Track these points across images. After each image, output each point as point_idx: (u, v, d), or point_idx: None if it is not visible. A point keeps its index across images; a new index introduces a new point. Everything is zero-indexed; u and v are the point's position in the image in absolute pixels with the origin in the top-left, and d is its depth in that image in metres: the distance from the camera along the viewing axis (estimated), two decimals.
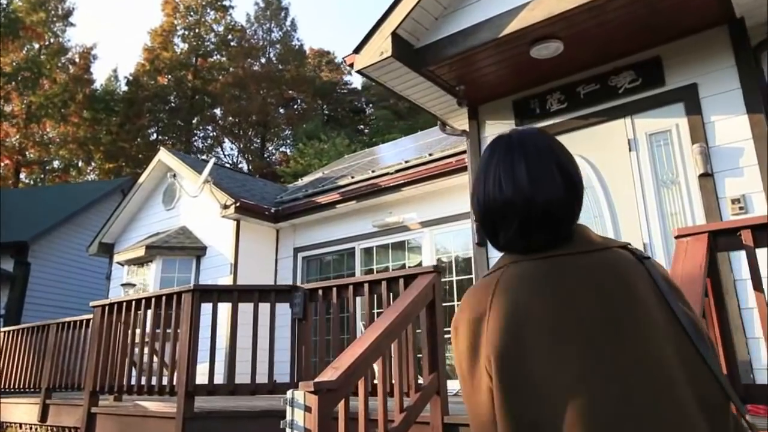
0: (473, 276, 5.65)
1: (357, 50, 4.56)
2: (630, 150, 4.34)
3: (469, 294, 1.01)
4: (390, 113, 32.70)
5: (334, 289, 4.27)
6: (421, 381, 3.64)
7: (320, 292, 4.36)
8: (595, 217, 4.41)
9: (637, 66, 4.39)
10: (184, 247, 8.84)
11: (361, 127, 35.75)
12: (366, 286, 4.08)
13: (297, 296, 4.44)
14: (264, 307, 4.38)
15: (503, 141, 1.04)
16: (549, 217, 0.95)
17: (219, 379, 4.49)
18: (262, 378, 4.40)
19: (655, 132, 4.26)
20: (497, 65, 4.61)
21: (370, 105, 36.76)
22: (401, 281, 3.88)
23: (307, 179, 11.69)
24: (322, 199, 8.34)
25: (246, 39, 34.12)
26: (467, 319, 0.96)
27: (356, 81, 38.68)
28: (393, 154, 10.45)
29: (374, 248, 8.12)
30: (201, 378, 4.20)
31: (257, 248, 8.80)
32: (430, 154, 7.80)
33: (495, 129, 5.15)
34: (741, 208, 3.79)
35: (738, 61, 3.99)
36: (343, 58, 4.75)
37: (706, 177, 3.95)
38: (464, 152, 7.07)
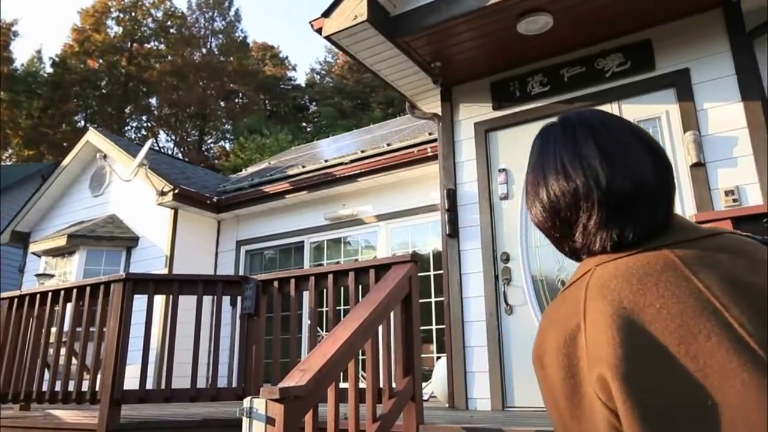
0: (441, 271, 5.24)
1: (327, 13, 4.05)
2: None
3: (550, 313, 0.80)
4: (334, 111, 32.17)
5: (293, 280, 3.74)
6: (394, 385, 3.18)
7: (276, 284, 3.81)
8: None
9: (626, 49, 4.13)
10: (113, 237, 7.96)
11: (304, 124, 35.02)
12: (330, 277, 3.58)
13: (248, 288, 3.86)
14: (207, 302, 3.78)
15: (557, 123, 0.88)
16: (640, 203, 0.77)
17: (152, 384, 3.84)
18: (203, 382, 3.79)
19: (644, 119, 4.00)
20: (479, 40, 4.23)
21: (314, 102, 36.09)
22: (372, 272, 3.41)
23: (252, 169, 10.97)
24: (270, 189, 7.72)
25: (186, 27, 32.59)
26: (555, 343, 0.75)
27: (300, 77, 37.91)
28: (343, 145, 9.95)
29: (325, 242, 7.58)
30: (130, 383, 3.55)
31: (196, 240, 8.05)
32: (388, 144, 7.37)
33: (470, 112, 4.77)
34: (735, 200, 3.57)
35: (733, 46, 3.79)
36: (309, 22, 4.22)
37: (698, 167, 3.72)
38: (426, 143, 6.71)
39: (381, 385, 3.07)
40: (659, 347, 0.66)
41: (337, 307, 3.58)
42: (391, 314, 3.21)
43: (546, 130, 0.90)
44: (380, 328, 3.09)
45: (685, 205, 3.76)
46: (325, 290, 3.64)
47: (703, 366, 0.63)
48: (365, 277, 3.46)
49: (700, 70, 3.87)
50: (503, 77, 4.61)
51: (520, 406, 3.97)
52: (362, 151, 7.51)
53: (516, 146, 4.44)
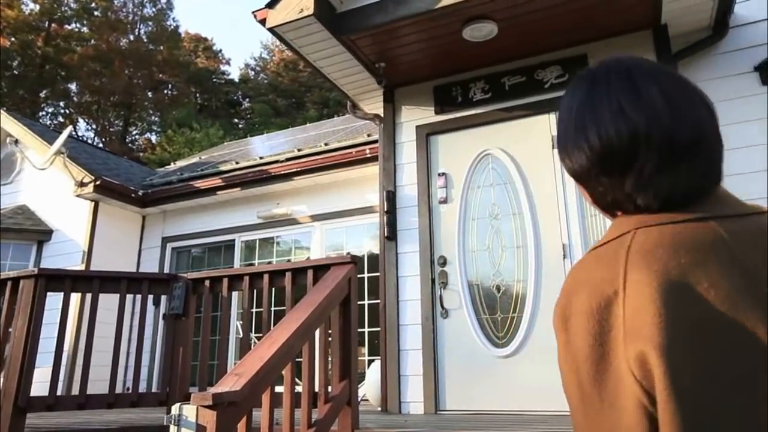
0: (376, 274, 5.20)
1: (271, 4, 3.91)
2: (553, 147, 4.18)
3: (580, 273, 0.72)
4: (268, 108, 31.54)
5: (225, 280, 3.57)
6: (330, 389, 3.09)
7: (207, 283, 3.63)
8: (514, 213, 4.19)
9: (565, 62, 4.27)
10: (22, 230, 7.35)
11: (236, 120, 34.09)
12: (266, 277, 3.45)
13: (177, 287, 3.65)
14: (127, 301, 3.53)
15: (604, 66, 0.81)
16: (699, 153, 0.72)
17: (63, 389, 3.53)
18: (122, 387, 3.53)
19: None
20: (424, 43, 4.23)
21: (248, 99, 35.24)
22: (310, 273, 3.31)
23: (181, 163, 10.50)
24: (201, 184, 7.40)
25: (113, 10, 30.85)
26: (586, 307, 0.68)
27: (234, 72, 36.96)
28: (278, 143, 9.72)
29: (257, 241, 7.36)
30: (38, 388, 3.25)
31: (117, 235, 7.58)
32: (326, 144, 7.26)
33: (412, 115, 4.77)
34: None
35: (660, 62, 3.99)
36: (253, 12, 4.05)
37: None
38: (365, 144, 6.67)
39: (317, 389, 2.98)
40: (711, 332, 0.61)
41: (269, 309, 3.45)
42: (329, 316, 3.13)
43: (588, 76, 0.83)
44: (317, 330, 3.00)
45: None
46: (259, 291, 3.51)
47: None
48: (303, 278, 3.36)
49: None
50: (446, 82, 4.64)
51: (452, 410, 3.98)
52: (299, 150, 7.36)
53: (456, 151, 4.48)
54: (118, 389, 3.50)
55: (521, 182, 4.19)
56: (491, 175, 4.34)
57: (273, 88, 34.55)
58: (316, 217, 7.02)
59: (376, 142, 6.53)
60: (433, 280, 4.31)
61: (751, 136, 3.93)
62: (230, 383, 2.25)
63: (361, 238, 6.79)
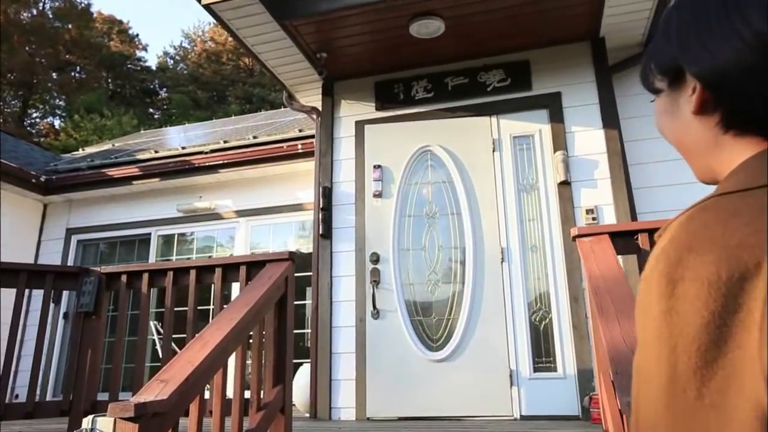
0: (306, 273, 4.98)
1: None
2: (494, 150, 4.19)
3: (708, 225, 0.53)
4: (188, 99, 30.16)
5: (146, 275, 3.24)
6: (263, 396, 2.86)
7: (124, 278, 3.28)
8: (452, 213, 4.13)
9: (507, 66, 4.29)
10: None
11: (152, 110, 32.32)
12: (193, 273, 3.16)
13: (88, 282, 3.27)
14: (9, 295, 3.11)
15: None
16: None
17: None
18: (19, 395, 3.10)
19: (520, 135, 4.18)
20: (369, 36, 4.10)
21: (165, 89, 33.52)
22: (243, 270, 3.07)
23: (92, 149, 9.68)
24: (115, 173, 6.82)
25: None
26: (711, 274, 0.50)
27: (151, 59, 35.05)
28: (200, 134, 9.21)
29: (175, 236, 6.89)
30: None
31: (12, 224, 6.81)
32: (255, 137, 6.94)
33: (352, 109, 4.61)
34: (594, 219, 3.86)
35: (597, 77, 4.12)
36: None
37: (565, 185, 3.96)
38: (297, 139, 6.44)
39: (248, 396, 2.75)
40: None
41: (195, 308, 3.16)
42: (264, 317, 2.90)
43: None
44: (251, 332, 2.77)
45: (551, 220, 3.97)
46: (181, 288, 3.21)
47: None
48: (234, 275, 3.10)
49: (570, 95, 4.14)
50: (389, 78, 4.53)
51: (385, 417, 3.85)
52: (225, 142, 6.98)
53: (394, 144, 4.35)
54: (7, 398, 3.07)
55: (461, 182, 4.14)
56: (430, 173, 4.26)
57: (193, 79, 33.09)
58: (241, 213, 6.67)
59: (309, 137, 6.33)
60: (371, 281, 4.18)
61: (673, 151, 4.12)
62: (155, 391, 1.99)
63: (289, 237, 6.53)
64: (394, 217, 4.23)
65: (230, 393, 2.61)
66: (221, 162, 6.57)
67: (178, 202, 6.86)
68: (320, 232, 4.36)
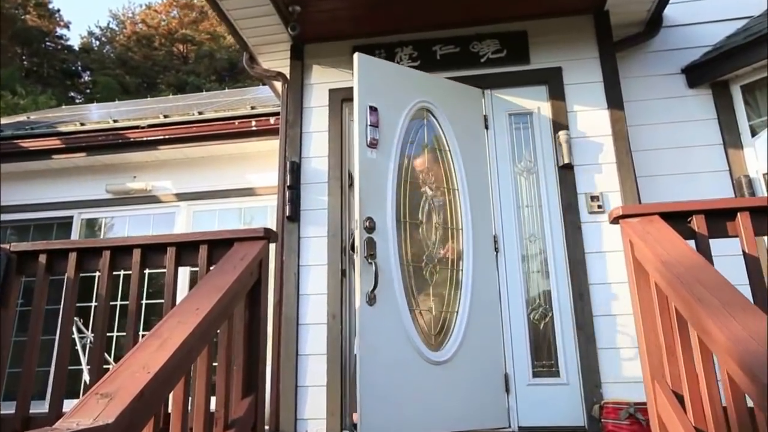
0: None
1: None
2: (486, 128, 3.74)
3: None
4: (115, 83, 28.17)
5: (73, 254, 2.54)
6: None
7: (42, 258, 2.56)
8: (449, 188, 3.49)
9: (503, 37, 3.87)
10: None
11: (74, 94, 29.98)
12: (136, 253, 2.50)
13: None
14: None
15: None
16: None
17: None
18: None
19: (516, 112, 3.76)
20: None
21: (89, 72, 31.22)
22: (204, 250, 2.44)
23: (4, 121, 8.46)
24: (30, 145, 5.84)
25: None
26: None
27: (74, 39, 32.60)
28: (133, 110, 8.25)
29: (103, 220, 6.01)
30: None
31: None
32: (200, 113, 6.18)
33: (325, 76, 4.04)
34: (599, 207, 3.49)
35: (601, 53, 3.77)
36: None
37: (568, 169, 3.57)
38: (251, 116, 5.76)
39: (213, 409, 2.13)
40: None
41: (138, 300, 2.49)
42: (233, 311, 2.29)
43: None
44: (220, 329, 2.16)
45: (551, 208, 3.57)
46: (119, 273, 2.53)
47: None
48: (192, 257, 2.46)
49: (571, 71, 3.77)
50: (369, 43, 3.98)
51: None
52: (165, 116, 6.17)
53: (390, 90, 3.50)
54: None
55: (457, 154, 3.56)
56: (426, 135, 3.58)
57: (122, 62, 31.00)
58: (182, 196, 5.89)
59: (264, 115, 5.68)
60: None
61: (676, 138, 3.85)
62: (94, 411, 1.37)
63: (238, 224, 5.82)
64: (392, 175, 3.30)
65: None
66: (161, 137, 5.77)
67: (107, 181, 5.99)
68: (287, 215, 3.74)
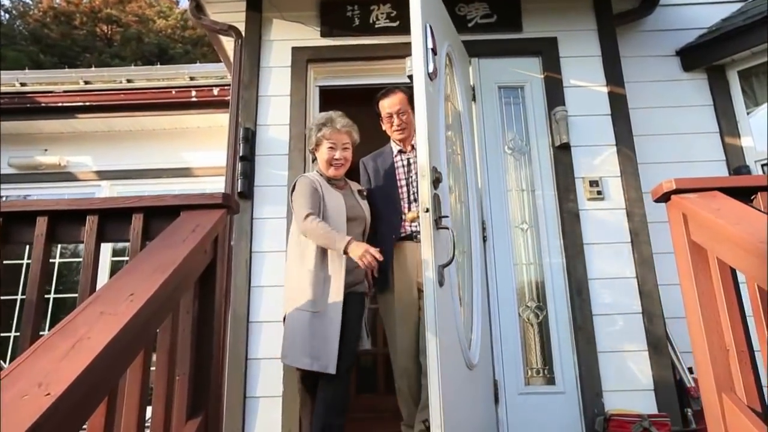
0: None
1: None
2: (474, 100, 3.29)
3: None
4: (26, 59, 25.77)
5: None
6: None
7: None
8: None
9: (493, 0, 3.43)
10: None
11: None
12: (42, 222, 1.85)
13: None
14: None
15: None
16: None
17: None
18: None
19: (507, 85, 3.34)
20: None
21: None
22: (138, 220, 1.82)
23: None
24: None
25: None
26: None
27: None
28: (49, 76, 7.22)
29: (3, 200, 5.06)
30: None
31: None
32: (129, 80, 5.38)
33: (287, 33, 3.44)
34: (599, 193, 3.12)
35: (599, 26, 3.42)
36: None
37: (565, 150, 3.18)
38: (191, 87, 5.04)
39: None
40: None
41: (42, 287, 1.83)
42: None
43: None
44: (162, 324, 1.55)
45: (544, 192, 3.16)
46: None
47: None
48: (121, 230, 1.83)
49: (567, 43, 3.39)
50: None
51: None
52: (86, 82, 5.32)
53: (434, 12, 2.69)
54: None
55: (465, 120, 3.04)
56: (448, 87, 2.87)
57: (36, 39, 28.45)
58: (104, 174, 5.08)
59: (207, 86, 4.99)
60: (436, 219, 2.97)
61: (671, 124, 3.57)
62: None
63: None
64: (442, 123, 2.54)
65: None
66: (80, 104, 4.93)
67: (10, 154, 5.07)
68: (237, 191, 3.12)
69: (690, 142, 3.51)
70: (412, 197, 2.66)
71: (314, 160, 2.74)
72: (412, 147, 2.74)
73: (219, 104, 4.83)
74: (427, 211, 2.14)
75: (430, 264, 2.08)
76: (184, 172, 5.06)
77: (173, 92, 4.92)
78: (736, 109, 3.52)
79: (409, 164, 2.74)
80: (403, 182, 2.71)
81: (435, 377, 1.95)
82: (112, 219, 1.85)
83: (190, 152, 5.14)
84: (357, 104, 3.51)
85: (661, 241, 3.11)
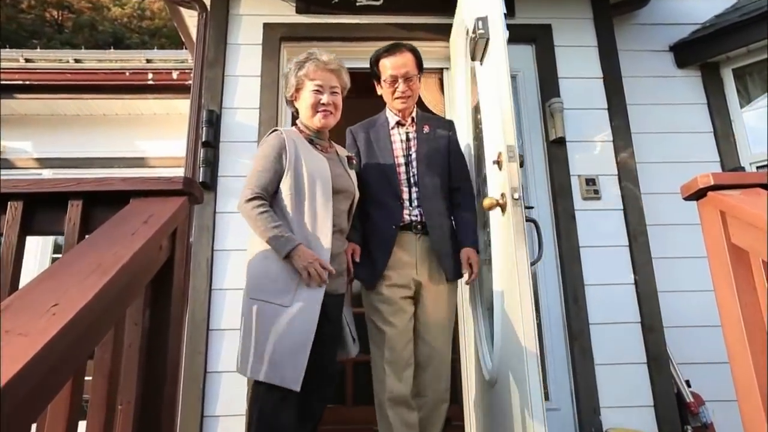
0: None
1: None
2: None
3: None
4: None
5: None
6: None
7: None
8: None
9: None
10: None
11: None
12: None
13: None
14: None
15: None
16: None
17: None
18: None
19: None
20: None
21: None
22: (75, 207, 1.47)
23: None
24: None
25: None
26: None
27: None
28: None
29: None
30: None
31: None
32: (77, 60, 4.91)
33: (258, 8, 3.10)
34: (596, 192, 2.90)
35: (596, 15, 3.22)
36: None
37: (559, 145, 2.95)
38: (147, 70, 4.62)
39: None
40: None
41: None
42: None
43: None
44: (104, 338, 1.20)
45: (538, 189, 2.92)
46: None
47: None
48: (54, 220, 1.48)
49: (562, 31, 3.17)
50: None
51: None
52: (27, 60, 4.82)
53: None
54: None
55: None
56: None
57: None
58: (46, 163, 4.60)
59: (165, 70, 4.58)
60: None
61: (664, 122, 3.39)
62: None
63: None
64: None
65: None
66: (19, 83, 4.44)
67: None
68: (198, 180, 2.76)
69: (683, 141, 3.34)
70: (412, 180, 2.20)
71: (294, 122, 2.15)
72: (413, 120, 2.31)
73: (179, 89, 4.44)
74: (518, 199, 1.87)
75: (524, 264, 1.80)
76: (138, 162, 4.63)
77: (127, 74, 4.49)
78: (731, 108, 3.37)
79: (408, 139, 2.27)
80: (401, 160, 2.24)
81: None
82: (43, 206, 1.49)
83: (145, 141, 4.72)
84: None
85: (659, 245, 2.93)
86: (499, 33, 2.07)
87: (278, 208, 1.92)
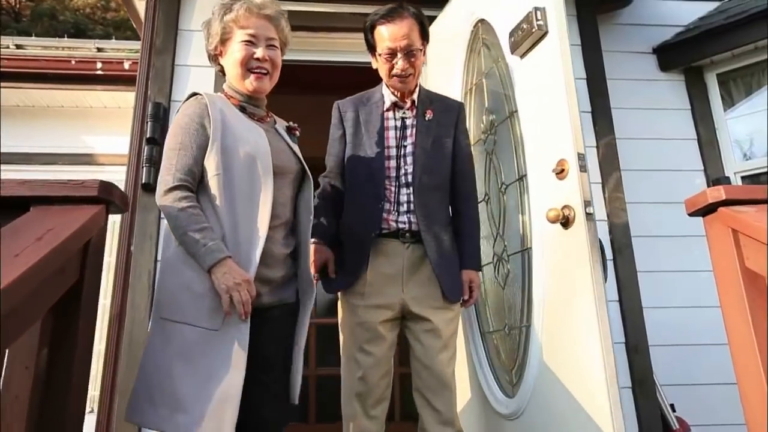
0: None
1: None
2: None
3: None
4: None
5: None
6: None
7: None
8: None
9: None
10: None
11: None
12: None
13: None
14: None
15: None
16: None
17: None
18: None
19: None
20: None
21: None
22: None
23: None
24: None
25: None
26: None
27: None
28: None
29: None
30: None
31: None
32: (19, 46, 4.52)
33: None
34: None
35: (579, 11, 3.04)
36: None
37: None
38: (96, 59, 4.26)
39: None
40: None
41: None
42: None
43: None
44: None
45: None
46: None
47: None
48: None
49: None
50: None
51: None
52: None
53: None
54: None
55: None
56: None
57: None
58: None
59: (116, 60, 4.23)
60: None
61: (646, 128, 3.23)
62: None
63: None
64: None
65: None
66: None
67: None
68: (141, 182, 2.45)
69: (667, 148, 3.19)
70: (403, 178, 1.83)
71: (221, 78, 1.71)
72: (413, 103, 1.92)
73: (130, 81, 4.06)
74: (591, 213, 1.72)
75: (601, 285, 1.69)
76: (84, 159, 4.27)
77: (73, 62, 4.12)
78: (715, 115, 3.24)
79: (404, 126, 1.88)
80: (393, 151, 1.85)
81: None
82: None
83: (93, 136, 4.36)
84: (301, 89, 2.99)
85: (642, 258, 2.75)
86: (562, 27, 1.89)
87: (205, 197, 1.48)
